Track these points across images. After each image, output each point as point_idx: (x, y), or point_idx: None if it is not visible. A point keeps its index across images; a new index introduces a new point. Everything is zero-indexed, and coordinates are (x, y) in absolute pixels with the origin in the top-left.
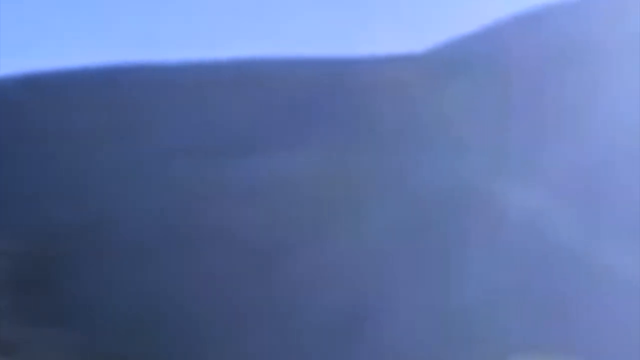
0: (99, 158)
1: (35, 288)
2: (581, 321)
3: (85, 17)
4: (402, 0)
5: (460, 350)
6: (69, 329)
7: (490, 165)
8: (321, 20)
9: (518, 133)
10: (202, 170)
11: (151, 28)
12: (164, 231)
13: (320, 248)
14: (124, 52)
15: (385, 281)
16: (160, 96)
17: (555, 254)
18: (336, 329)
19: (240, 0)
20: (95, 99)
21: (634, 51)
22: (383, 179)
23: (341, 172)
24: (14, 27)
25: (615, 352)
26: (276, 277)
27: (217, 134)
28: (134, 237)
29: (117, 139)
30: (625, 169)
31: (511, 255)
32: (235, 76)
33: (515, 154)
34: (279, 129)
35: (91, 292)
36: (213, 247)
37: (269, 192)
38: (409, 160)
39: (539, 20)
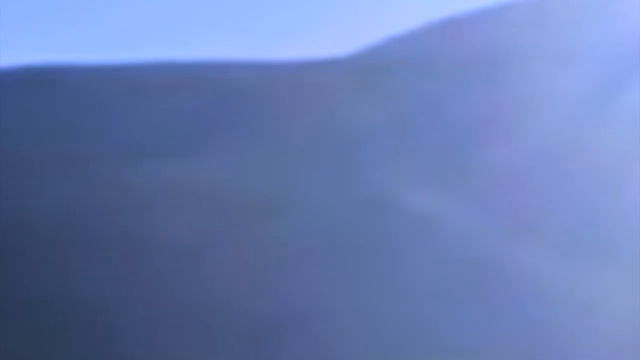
0: (13, 158)
1: None
2: (501, 325)
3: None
4: (325, 2)
5: (384, 356)
6: None
7: (411, 173)
8: (239, 23)
9: (441, 139)
10: (114, 173)
11: (70, 29)
12: (75, 232)
13: (229, 254)
14: (42, 53)
15: (297, 288)
16: (61, 98)
17: (475, 260)
18: (249, 334)
19: (153, 3)
20: (9, 100)
21: (557, 56)
22: (296, 186)
23: (251, 178)
24: None
25: (534, 354)
26: (186, 280)
27: (121, 138)
28: (46, 237)
29: (33, 140)
30: (549, 176)
31: (432, 263)
32: (144, 80)
33: (438, 161)
34: (186, 134)
35: (1, 292)
36: (122, 250)
37: (174, 196)
38: (325, 167)
39: (463, 24)
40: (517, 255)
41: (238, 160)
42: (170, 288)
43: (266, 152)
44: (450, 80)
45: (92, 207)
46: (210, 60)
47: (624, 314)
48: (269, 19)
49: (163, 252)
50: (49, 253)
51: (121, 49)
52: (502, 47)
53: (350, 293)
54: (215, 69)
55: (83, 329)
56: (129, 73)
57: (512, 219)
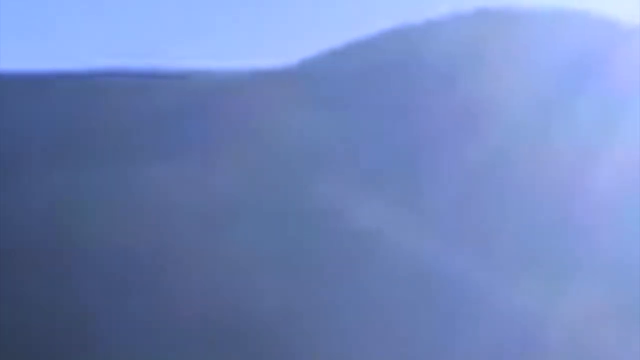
0: None
1: None
2: (447, 337)
3: None
4: (273, 10)
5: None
6: None
7: (357, 186)
8: (197, 31)
9: (388, 152)
10: (72, 178)
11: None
12: (34, 240)
13: (179, 263)
14: None
15: (245, 296)
16: (34, 101)
17: (420, 273)
18: (212, 338)
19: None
20: None
21: (522, 62)
22: (243, 196)
23: (201, 187)
24: None
25: None
26: (140, 287)
27: (78, 142)
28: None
29: None
30: (496, 188)
31: (376, 276)
32: (98, 86)
33: (387, 173)
34: (136, 142)
35: None
36: (83, 257)
37: (126, 202)
38: (273, 179)
39: (416, 33)
40: (462, 268)
41: (187, 169)
42: (126, 295)
43: (215, 162)
44: (401, 90)
45: (54, 214)
46: (165, 68)
47: (572, 324)
48: (225, 28)
49: (115, 259)
50: (15, 263)
51: (83, 56)
52: (456, 56)
53: (297, 304)
54: (170, 76)
55: (37, 337)
56: (88, 78)
57: (457, 231)
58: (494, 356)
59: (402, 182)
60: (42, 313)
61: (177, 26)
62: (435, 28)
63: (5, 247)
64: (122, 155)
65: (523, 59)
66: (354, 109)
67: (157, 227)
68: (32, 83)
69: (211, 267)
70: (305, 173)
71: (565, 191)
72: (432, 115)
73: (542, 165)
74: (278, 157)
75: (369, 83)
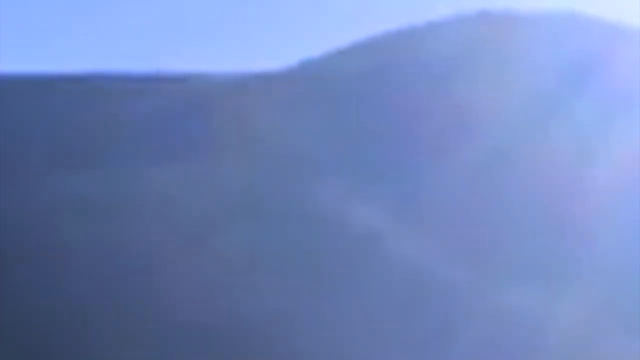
0: None
1: None
2: (442, 344)
3: None
4: (274, 12)
5: None
6: None
7: (352, 190)
8: (193, 35)
9: (380, 155)
10: (54, 182)
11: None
12: (33, 241)
13: (179, 265)
14: None
15: (244, 300)
16: (34, 103)
17: (417, 279)
18: (211, 340)
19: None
20: None
21: (523, 64)
22: (241, 199)
23: (199, 190)
24: None
25: None
26: (134, 291)
27: (78, 144)
28: None
29: None
30: (495, 195)
31: (374, 281)
32: (98, 88)
33: (379, 177)
34: (134, 145)
35: None
36: (83, 258)
37: (125, 205)
38: (270, 182)
39: (410, 37)
40: (461, 271)
41: (188, 172)
42: (126, 296)
43: (216, 164)
44: (395, 94)
45: (41, 218)
46: (167, 71)
47: (571, 327)
48: (226, 30)
49: (115, 260)
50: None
51: (84, 59)
52: (458, 58)
53: (296, 306)
54: (171, 79)
55: (21, 341)
56: (88, 81)
57: (456, 233)
58: None
59: (404, 184)
60: (41, 313)
61: (178, 29)
62: (438, 30)
63: (5, 248)
64: (122, 158)
65: (524, 61)
66: (356, 110)
67: (157, 229)
68: (32, 85)
69: (210, 269)
70: (306, 175)
71: (565, 193)
72: (434, 117)
73: (542, 167)
74: (278, 160)
75: (371, 85)
